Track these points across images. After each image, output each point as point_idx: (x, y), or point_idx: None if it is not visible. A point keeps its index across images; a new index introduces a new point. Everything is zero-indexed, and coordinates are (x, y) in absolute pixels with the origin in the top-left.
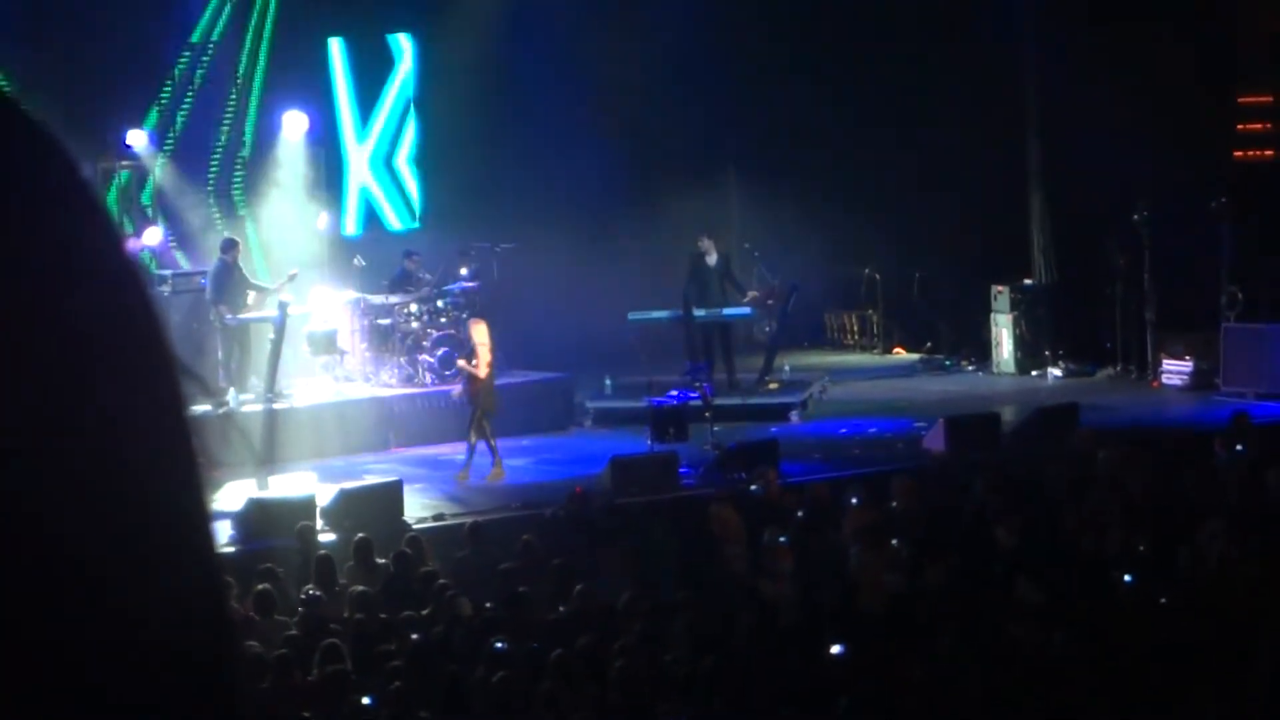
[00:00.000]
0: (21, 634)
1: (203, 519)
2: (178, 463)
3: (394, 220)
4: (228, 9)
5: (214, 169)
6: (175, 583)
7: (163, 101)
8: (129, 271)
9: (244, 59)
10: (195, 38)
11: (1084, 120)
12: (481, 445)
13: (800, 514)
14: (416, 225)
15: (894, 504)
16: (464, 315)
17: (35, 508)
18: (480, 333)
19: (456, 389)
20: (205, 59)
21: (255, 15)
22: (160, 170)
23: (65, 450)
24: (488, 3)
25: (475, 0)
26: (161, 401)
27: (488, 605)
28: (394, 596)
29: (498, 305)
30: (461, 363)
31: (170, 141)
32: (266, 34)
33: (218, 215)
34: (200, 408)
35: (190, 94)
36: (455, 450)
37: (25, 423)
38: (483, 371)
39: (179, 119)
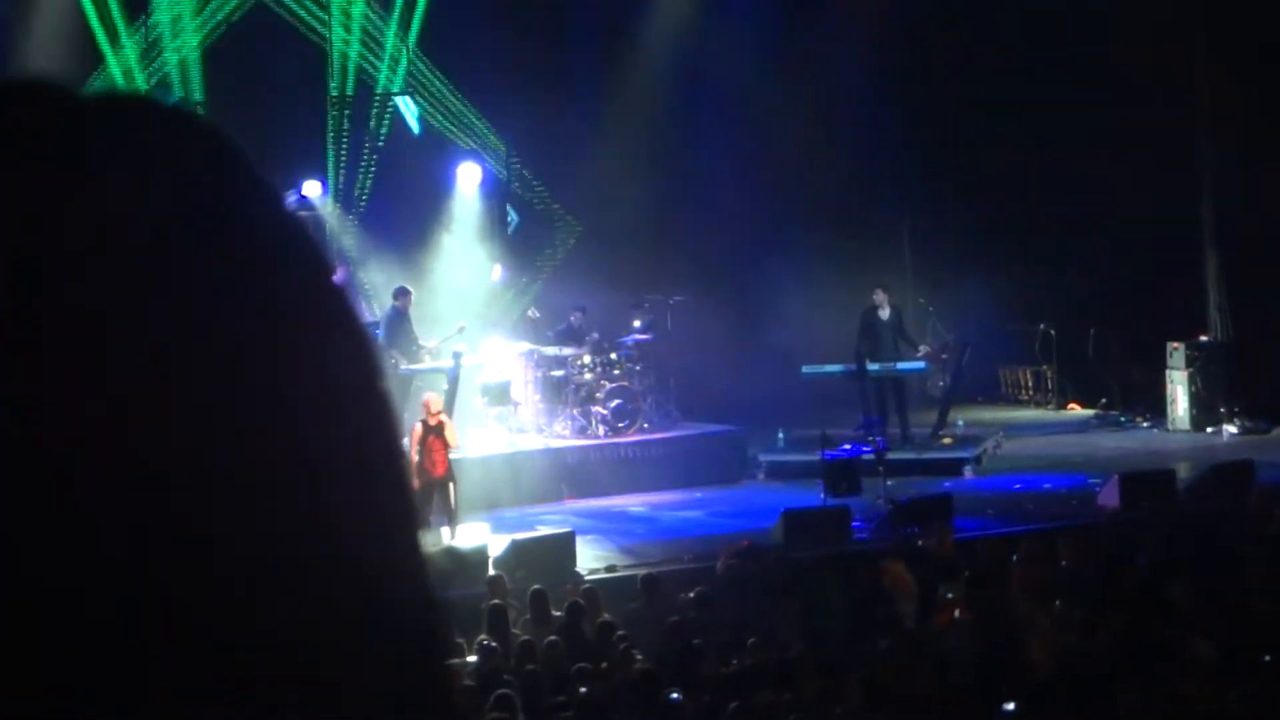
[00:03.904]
0: (231, 665)
1: (421, 558)
2: (397, 501)
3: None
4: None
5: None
6: (397, 623)
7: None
8: (345, 306)
9: (417, 111)
10: (333, 90)
11: (1259, 179)
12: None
13: (970, 570)
14: None
15: (1063, 562)
16: (637, 367)
17: (258, 548)
18: (438, 404)
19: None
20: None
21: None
22: (335, 220)
23: (286, 491)
24: (659, 59)
25: (647, 56)
26: (381, 439)
27: (660, 658)
28: (568, 647)
29: (671, 357)
30: (452, 443)
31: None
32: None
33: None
34: None
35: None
36: (628, 502)
37: (243, 463)
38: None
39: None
